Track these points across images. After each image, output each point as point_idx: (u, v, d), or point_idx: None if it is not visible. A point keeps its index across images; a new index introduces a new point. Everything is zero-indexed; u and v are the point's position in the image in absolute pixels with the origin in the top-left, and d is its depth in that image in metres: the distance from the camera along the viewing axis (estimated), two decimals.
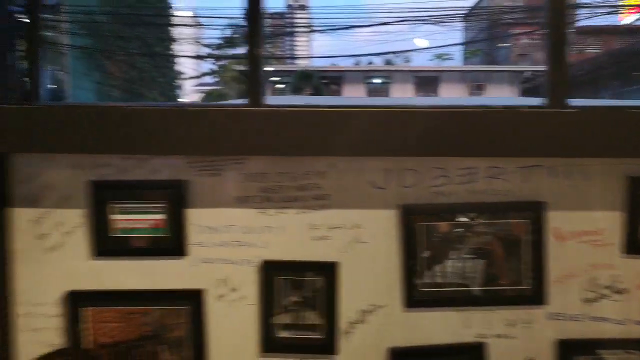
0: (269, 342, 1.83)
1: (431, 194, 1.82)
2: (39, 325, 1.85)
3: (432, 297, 1.79)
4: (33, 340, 1.85)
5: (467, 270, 1.81)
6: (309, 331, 1.82)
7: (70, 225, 1.85)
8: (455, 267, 1.81)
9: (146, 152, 1.82)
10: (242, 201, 1.85)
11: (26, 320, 1.85)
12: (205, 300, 1.84)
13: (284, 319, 1.83)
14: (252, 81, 1.95)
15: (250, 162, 1.84)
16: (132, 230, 1.85)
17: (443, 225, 1.81)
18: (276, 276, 1.82)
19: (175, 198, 1.84)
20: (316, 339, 1.82)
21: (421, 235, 1.80)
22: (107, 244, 1.84)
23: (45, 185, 1.85)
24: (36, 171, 1.86)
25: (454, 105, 1.84)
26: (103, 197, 1.84)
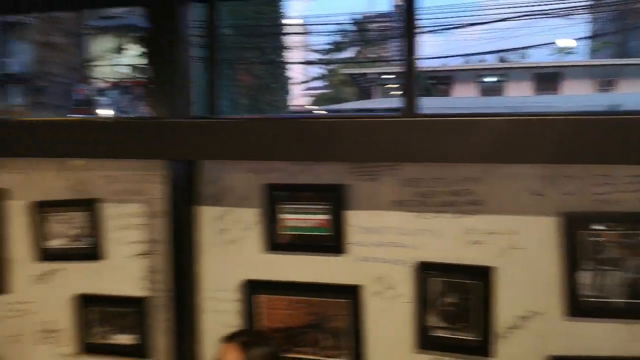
0: (424, 339, 1.92)
1: (594, 201, 1.78)
2: (220, 308, 2.14)
3: (595, 307, 1.76)
4: (215, 320, 2.15)
5: (635, 281, 1.74)
6: (464, 332, 1.88)
7: (246, 222, 2.12)
8: (621, 277, 1.75)
9: (312, 159, 2.02)
10: (398, 205, 1.97)
11: (210, 302, 2.16)
12: (363, 296, 1.99)
13: (439, 318, 1.91)
14: (406, 91, 2.06)
15: (406, 168, 1.96)
16: (299, 228, 2.06)
17: (608, 234, 1.76)
18: (431, 277, 1.92)
19: (337, 201, 2.02)
20: (471, 340, 1.87)
21: (584, 244, 1.77)
22: (277, 240, 2.08)
23: (226, 187, 2.15)
24: (219, 175, 2.15)
25: (619, 112, 1.77)
26: (275, 198, 2.08)
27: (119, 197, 2.23)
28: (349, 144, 1.92)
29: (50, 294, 2.31)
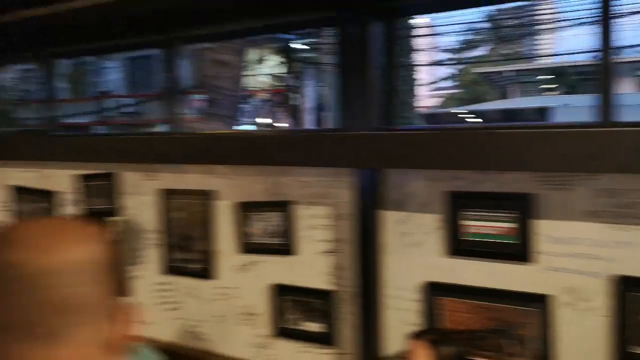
0: (622, 357, 1.85)
1: None
2: (402, 306, 2.29)
3: None
4: (397, 317, 2.30)
5: None
6: None
7: (428, 227, 2.24)
8: None
9: (497, 168, 2.06)
10: (593, 215, 1.92)
11: (392, 300, 2.32)
12: (552, 306, 1.98)
13: None
14: (603, 97, 1.99)
15: (604, 177, 1.90)
16: (482, 235, 2.12)
17: None
18: (632, 292, 1.84)
19: (523, 209, 2.03)
20: None
21: None
22: (459, 245, 2.16)
23: (408, 193, 2.29)
24: (401, 181, 2.31)
25: None
26: (457, 205, 2.17)
27: (310, 200, 2.51)
28: (538, 154, 1.93)
29: (250, 282, 2.68)
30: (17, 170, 3.56)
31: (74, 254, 0.59)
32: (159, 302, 3.00)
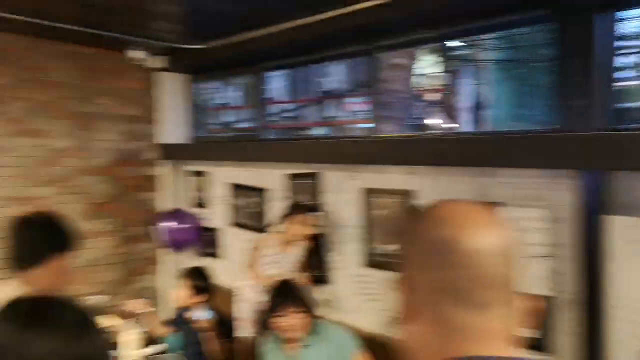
0: None
1: None
2: (633, 319, 2.12)
3: None
4: (627, 330, 2.13)
5: None
6: None
7: None
8: None
9: None
10: None
11: (620, 311, 2.16)
12: None
13: None
14: None
15: None
16: None
17: None
18: None
19: None
20: None
21: None
22: None
23: None
24: (633, 185, 2.13)
25: None
26: None
27: (520, 202, 2.46)
28: None
29: None
30: (234, 170, 4.16)
31: (497, 238, 0.69)
32: (359, 293, 3.22)
